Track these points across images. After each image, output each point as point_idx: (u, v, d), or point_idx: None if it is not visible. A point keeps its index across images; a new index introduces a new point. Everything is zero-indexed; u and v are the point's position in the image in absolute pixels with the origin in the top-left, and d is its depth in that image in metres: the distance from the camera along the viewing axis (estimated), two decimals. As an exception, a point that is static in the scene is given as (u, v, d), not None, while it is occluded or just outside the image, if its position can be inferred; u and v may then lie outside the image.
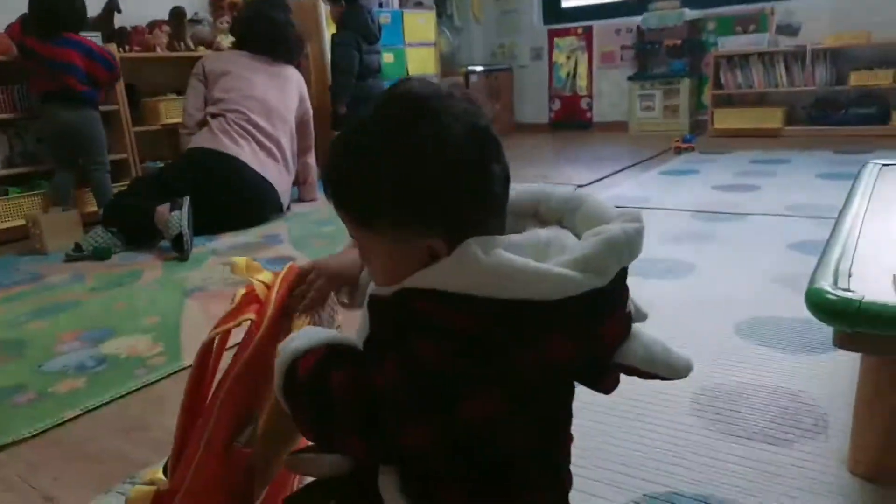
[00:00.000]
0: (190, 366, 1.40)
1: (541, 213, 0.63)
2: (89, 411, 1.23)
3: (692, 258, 1.87)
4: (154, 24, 3.47)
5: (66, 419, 1.20)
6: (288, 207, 3.05)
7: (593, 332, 0.54)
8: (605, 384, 0.58)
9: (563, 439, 0.64)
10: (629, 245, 0.54)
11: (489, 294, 0.51)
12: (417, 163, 0.53)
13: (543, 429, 0.60)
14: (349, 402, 0.54)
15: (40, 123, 2.88)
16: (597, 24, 5.45)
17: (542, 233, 0.58)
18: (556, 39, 5.70)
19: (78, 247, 2.44)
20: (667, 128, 4.88)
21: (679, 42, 4.91)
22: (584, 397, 0.62)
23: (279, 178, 2.90)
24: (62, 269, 2.33)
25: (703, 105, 4.97)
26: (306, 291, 0.74)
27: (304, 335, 0.61)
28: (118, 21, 3.27)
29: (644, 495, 0.86)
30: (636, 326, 0.58)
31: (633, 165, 3.62)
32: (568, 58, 5.66)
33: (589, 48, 5.54)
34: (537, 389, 0.55)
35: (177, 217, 2.35)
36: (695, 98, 5.00)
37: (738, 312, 1.44)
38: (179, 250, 2.32)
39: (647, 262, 1.81)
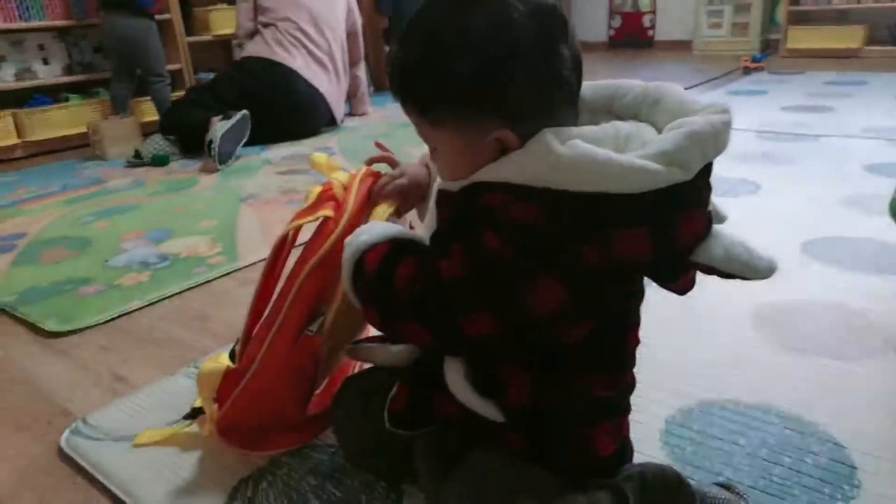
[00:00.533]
0: (247, 266, 1.44)
1: (616, 109, 0.60)
2: (153, 303, 1.28)
3: (757, 178, 1.79)
4: (205, -71, 3.39)
5: (132, 309, 1.25)
6: (342, 120, 3.02)
7: (671, 227, 0.51)
8: (680, 284, 0.56)
9: (630, 338, 0.63)
10: (715, 138, 0.51)
11: (564, 186, 0.49)
12: (479, 46, 0.51)
13: (609, 325, 0.59)
14: (414, 292, 0.55)
15: (100, 32, 2.89)
16: (665, -69, 5.09)
17: (622, 125, 0.55)
18: (620, -51, 5.35)
19: (138, 154, 2.50)
20: (735, 47, 4.60)
21: (754, -47, 4.55)
22: (645, 307, 0.61)
23: (331, 88, 2.87)
24: (123, 175, 2.40)
25: (776, 22, 4.65)
26: (388, 183, 0.74)
27: (370, 229, 0.61)
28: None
29: (699, 402, 0.85)
30: (717, 227, 0.55)
31: (697, 85, 3.45)
32: (632, -27, 5.33)
33: (655, -41, 5.19)
34: (606, 285, 0.54)
35: (218, 126, 2.36)
36: (767, 15, 4.68)
37: (805, 232, 1.38)
38: (211, 157, 2.34)
39: (709, 180, 1.74)
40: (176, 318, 1.22)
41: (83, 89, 3.07)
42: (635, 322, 0.62)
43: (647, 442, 0.77)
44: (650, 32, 5.35)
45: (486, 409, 0.58)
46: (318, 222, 0.72)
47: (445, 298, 0.54)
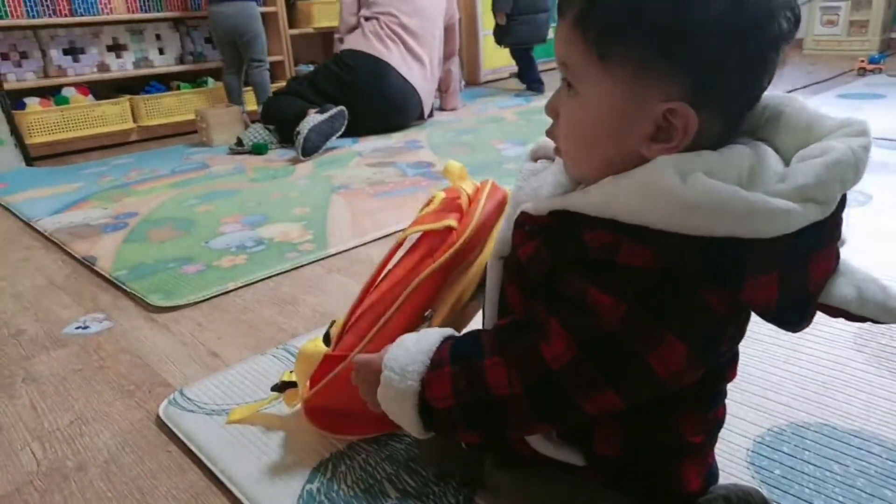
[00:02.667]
0: (336, 253, 1.49)
1: None
2: (248, 285, 1.34)
3: (870, 188, 1.66)
4: (311, -75, 3.51)
5: (228, 290, 1.32)
6: (430, 114, 3.06)
7: (804, 270, 0.45)
8: (800, 325, 0.49)
9: (730, 375, 0.59)
10: (856, 167, 0.45)
11: (686, 230, 0.43)
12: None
13: (718, 366, 0.55)
14: (527, 394, 0.49)
15: (209, 23, 3.06)
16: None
17: (743, 152, 0.47)
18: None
19: (239, 141, 2.63)
20: (850, 46, 4.28)
21: (881, -56, 4.21)
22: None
23: (424, 83, 2.91)
24: (226, 161, 2.53)
25: (900, 20, 4.30)
26: None
27: (397, 365, 0.55)
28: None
29: (792, 423, 0.81)
30: (844, 259, 0.49)
31: (806, 87, 3.24)
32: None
33: (767, -48, 4.91)
34: (724, 334, 0.49)
35: (309, 119, 2.43)
36: (890, 12, 4.32)
37: (921, 249, 1.28)
38: (298, 147, 2.40)
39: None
40: (268, 300, 1.28)
41: (193, 78, 3.26)
42: (736, 356, 0.59)
43: (734, 462, 0.73)
44: (757, 29, 5.07)
45: (569, 455, 0.56)
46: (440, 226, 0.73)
47: (562, 390, 0.48)
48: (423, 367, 0.54)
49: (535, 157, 0.66)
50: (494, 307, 0.62)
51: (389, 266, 0.79)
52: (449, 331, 0.58)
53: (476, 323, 0.94)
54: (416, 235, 0.76)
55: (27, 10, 2.69)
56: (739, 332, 0.52)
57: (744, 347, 0.57)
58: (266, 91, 3.00)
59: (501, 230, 0.61)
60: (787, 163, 0.48)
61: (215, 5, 2.90)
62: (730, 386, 0.61)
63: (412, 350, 0.55)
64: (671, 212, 0.44)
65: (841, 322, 1.01)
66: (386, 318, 0.71)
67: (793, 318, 0.48)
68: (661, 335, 0.46)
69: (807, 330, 0.86)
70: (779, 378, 0.89)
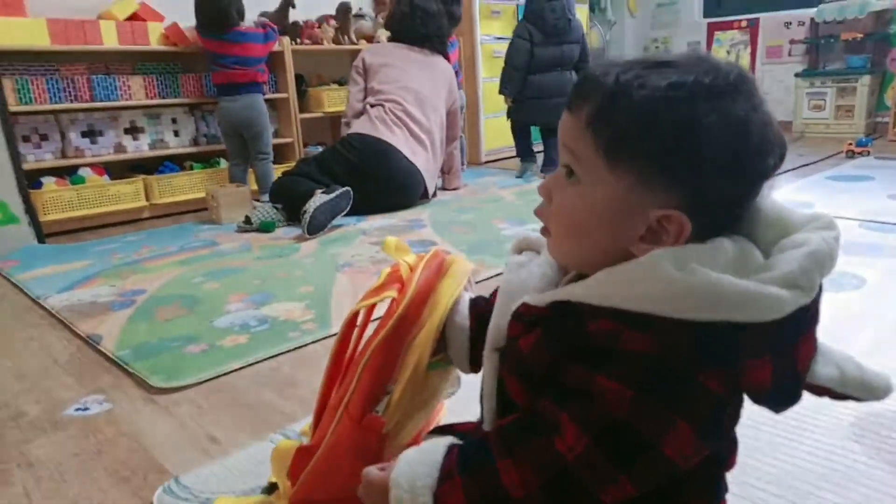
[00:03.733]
0: (335, 334, 1.50)
1: None
2: (250, 365, 1.36)
3: (861, 271, 1.69)
4: (323, 19, 3.71)
5: (230, 370, 1.33)
6: (434, 194, 3.15)
7: (791, 353, 0.49)
8: (789, 406, 0.52)
9: (731, 462, 0.60)
10: (831, 256, 0.49)
11: (685, 316, 0.46)
12: (711, 129, 0.48)
13: (719, 451, 0.56)
14: (543, 492, 0.50)
15: (216, 115, 3.20)
16: (764, 17, 5.06)
17: (727, 244, 0.51)
18: (716, 33, 5.37)
19: (247, 219, 2.70)
20: (838, 130, 4.43)
21: (860, 36, 4.41)
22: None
23: (427, 165, 3.01)
24: (233, 238, 2.59)
25: (884, 106, 4.47)
26: None
27: (406, 475, 0.54)
28: (292, 16, 3.53)
29: (789, 516, 0.80)
30: (822, 342, 0.52)
31: (796, 168, 3.33)
32: (728, 52, 5.30)
33: (753, 42, 5.16)
34: (725, 414, 0.51)
35: (316, 199, 2.51)
36: (875, 98, 4.49)
37: (916, 335, 1.29)
38: (304, 225, 2.46)
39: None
40: (268, 381, 1.29)
41: (206, 158, 3.38)
42: (736, 443, 0.60)
43: (729, 557, 0.73)
44: (751, 113, 5.24)
45: None
46: (386, 302, 0.75)
47: (578, 482, 0.49)
48: (432, 482, 0.54)
49: (518, 250, 0.68)
50: (492, 400, 0.63)
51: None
52: (450, 439, 0.58)
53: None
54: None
55: (50, 96, 2.82)
56: (736, 414, 0.54)
57: (743, 438, 0.59)
58: (268, 182, 3.07)
59: (494, 321, 0.63)
60: (764, 254, 0.52)
61: (224, 99, 3.04)
62: (729, 478, 0.61)
63: (418, 465, 0.55)
64: (671, 299, 0.46)
65: (839, 411, 1.02)
66: (346, 401, 0.71)
67: (783, 399, 0.51)
68: (669, 419, 0.47)
69: (802, 420, 0.87)
70: (779, 471, 0.89)
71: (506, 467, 0.51)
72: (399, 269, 0.77)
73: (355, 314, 0.78)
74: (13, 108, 2.67)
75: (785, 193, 2.76)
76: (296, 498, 0.78)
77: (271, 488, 0.85)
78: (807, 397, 0.52)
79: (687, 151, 0.48)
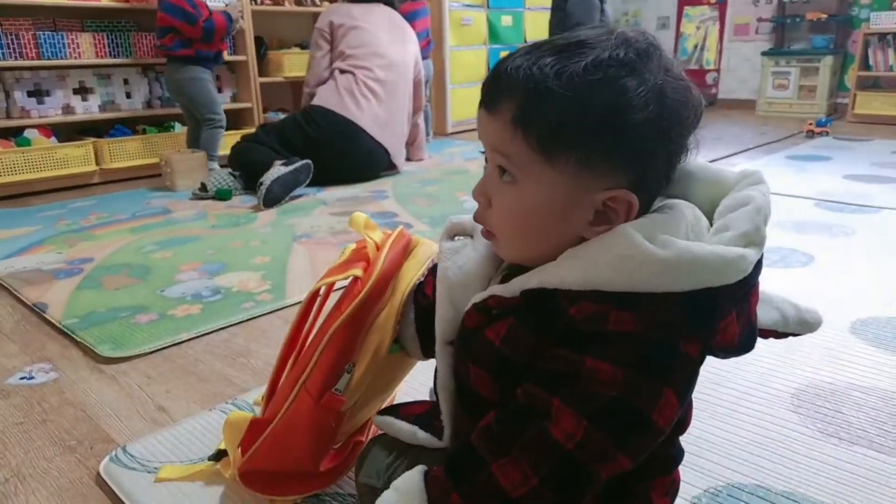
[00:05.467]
0: (293, 304, 1.48)
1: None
2: (201, 336, 1.33)
3: (812, 249, 1.74)
4: (284, -21, 3.60)
5: (180, 340, 1.31)
6: (402, 165, 3.09)
7: (746, 304, 0.51)
8: (749, 351, 0.53)
9: (686, 423, 0.62)
10: (769, 209, 0.53)
11: (668, 289, 0.47)
12: (636, 102, 0.48)
13: (681, 417, 0.58)
14: (547, 485, 0.49)
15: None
16: (732, -7, 5.10)
17: (685, 209, 0.53)
18: (686, 8, 5.39)
19: (203, 187, 2.63)
20: (800, 109, 4.52)
21: (825, 16, 4.49)
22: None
23: (393, 140, 2.95)
24: (188, 206, 2.52)
25: (844, 87, 4.57)
26: None
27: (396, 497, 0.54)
28: (252, -25, 3.41)
29: (728, 484, 0.83)
30: (761, 288, 0.55)
31: (757, 147, 3.39)
32: (697, 28, 5.34)
33: (721, 19, 5.20)
34: (696, 377, 0.52)
35: (273, 171, 2.46)
36: (836, 78, 4.59)
37: (856, 310, 1.34)
38: (259, 198, 2.41)
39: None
40: (220, 352, 1.27)
41: (160, 122, 3.27)
42: (691, 404, 0.61)
43: (668, 523, 0.75)
44: (713, 90, 5.31)
45: None
46: (348, 281, 0.74)
47: (580, 467, 0.48)
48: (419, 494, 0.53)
49: (451, 235, 0.67)
50: (450, 393, 0.62)
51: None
52: (421, 467, 0.57)
53: (413, 376, 0.94)
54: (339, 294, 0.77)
55: (-7, 52, 2.68)
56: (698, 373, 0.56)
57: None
58: (212, 147, 2.95)
59: (440, 314, 0.61)
60: (705, 213, 0.55)
61: (167, 65, 2.89)
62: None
63: (403, 500, 0.54)
64: (654, 274, 0.47)
65: (779, 383, 1.05)
66: (304, 378, 0.71)
67: (742, 349, 0.53)
68: (658, 390, 0.48)
69: (746, 390, 0.89)
70: (717, 438, 0.92)
71: (502, 468, 0.50)
72: (365, 247, 0.76)
73: (317, 290, 0.77)
74: (-48, 63, 2.53)
75: (742, 170, 2.81)
76: (245, 468, 0.77)
77: (218, 455, 0.84)
78: (752, 370, 0.54)
79: (620, 127, 0.49)
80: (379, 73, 2.89)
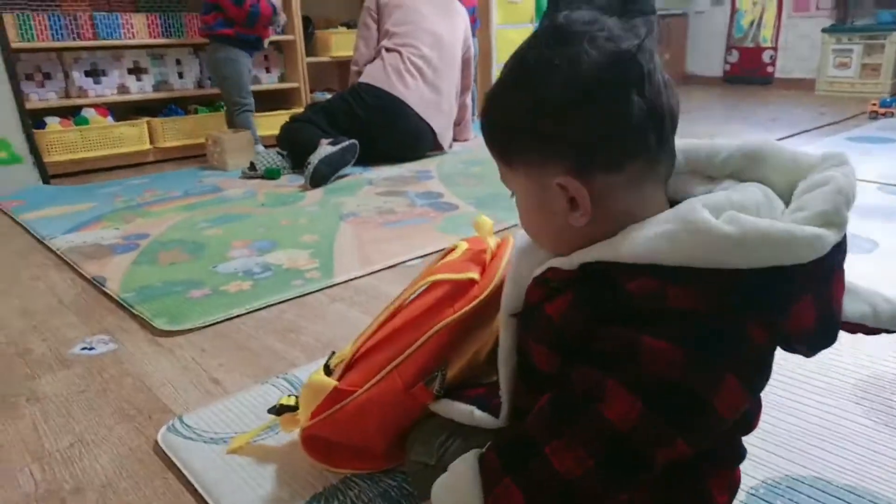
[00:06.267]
0: (341, 282, 1.49)
1: (709, 170, 0.57)
2: (253, 311, 1.36)
3: (875, 234, 1.66)
4: (332, -42, 3.59)
5: (233, 315, 1.34)
6: (450, 146, 3.08)
7: (828, 290, 0.49)
8: (828, 345, 0.51)
9: (753, 423, 0.60)
10: (853, 191, 0.50)
11: (732, 265, 0.45)
12: (548, 87, 0.51)
13: (746, 414, 0.57)
14: (600, 469, 0.48)
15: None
16: (793, -34, 4.88)
17: (754, 189, 0.52)
18: (742, -17, 5.18)
19: (252, 166, 2.67)
20: (863, 89, 4.32)
21: (893, -10, 4.26)
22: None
23: (441, 120, 2.93)
24: (238, 185, 2.57)
25: (913, 65, 4.32)
26: None
27: (448, 490, 0.56)
28: (300, -46, 3.41)
29: (787, 476, 0.80)
30: (850, 279, 0.52)
31: (816, 129, 3.26)
32: (754, 4, 5.13)
33: (780, -7, 4.98)
34: (766, 364, 0.49)
35: (320, 150, 2.47)
36: (904, 56, 4.36)
37: (925, 300, 1.27)
38: (306, 177, 2.44)
39: (821, 233, 1.64)
40: (271, 327, 1.29)
41: (210, 102, 3.32)
42: (760, 404, 0.60)
43: (724, 513, 0.73)
44: (770, 69, 5.11)
45: None
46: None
47: (634, 451, 0.47)
48: (478, 500, 0.53)
49: None
50: (509, 365, 0.62)
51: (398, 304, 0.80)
52: (476, 451, 0.57)
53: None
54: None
55: (52, 34, 2.76)
56: (770, 368, 0.53)
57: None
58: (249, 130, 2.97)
59: (509, 284, 0.61)
60: (781, 196, 0.53)
61: (208, 47, 2.95)
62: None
63: (456, 487, 0.55)
64: (717, 249, 0.45)
65: (841, 374, 1.02)
66: (399, 361, 0.71)
67: (821, 340, 0.50)
68: (720, 374, 0.46)
69: (807, 379, 0.87)
70: (778, 429, 0.89)
71: (555, 450, 0.49)
72: (484, 251, 0.78)
73: (422, 279, 0.77)
74: (15, 44, 2.61)
75: (800, 153, 2.71)
76: (310, 432, 0.77)
77: (280, 410, 0.84)
78: (814, 358, 0.52)
79: (533, 124, 0.52)
80: (426, 51, 2.86)
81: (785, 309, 0.47)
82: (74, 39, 2.82)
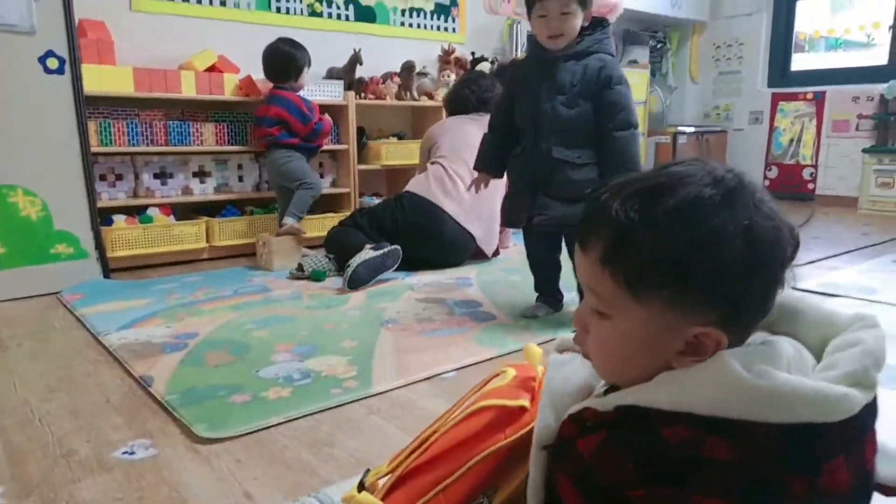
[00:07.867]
0: (377, 393, 1.50)
1: None
2: (290, 421, 1.39)
3: (924, 370, 1.61)
4: (387, 76, 3.87)
5: (270, 424, 1.37)
6: (496, 253, 3.16)
7: (860, 451, 0.49)
8: None
9: None
10: (884, 355, 0.51)
11: (765, 418, 0.46)
12: (722, 242, 0.50)
13: None
14: None
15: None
16: (830, 90, 4.99)
17: (785, 344, 0.54)
18: (780, 103, 5.31)
19: (300, 267, 2.78)
20: (908, 209, 4.28)
21: (934, 114, 4.31)
22: None
23: (480, 226, 3.01)
24: (285, 286, 2.66)
25: (959, 187, 4.29)
26: None
27: None
28: (358, 72, 3.69)
29: None
30: (881, 440, 0.53)
31: (860, 249, 3.22)
32: (792, 123, 5.24)
33: (819, 115, 5.08)
34: None
35: (362, 254, 2.57)
36: (950, 178, 4.34)
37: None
38: (345, 279, 2.52)
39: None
40: (306, 439, 1.31)
41: (266, 205, 3.51)
42: None
43: None
44: (811, 185, 5.14)
45: None
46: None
47: None
48: None
49: (561, 350, 0.71)
50: (538, 497, 0.63)
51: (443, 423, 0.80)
52: None
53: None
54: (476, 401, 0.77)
55: (129, 139, 3.01)
56: None
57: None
58: (298, 206, 3.12)
59: (541, 418, 0.63)
60: (811, 351, 0.54)
61: (267, 155, 3.19)
62: None
63: None
64: (749, 402, 0.47)
65: None
66: (447, 483, 0.71)
67: (858, 501, 0.50)
68: None
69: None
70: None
71: None
72: (533, 379, 0.79)
73: (472, 403, 0.77)
74: (95, 148, 2.85)
75: (847, 275, 2.68)
76: None
77: None
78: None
79: (706, 267, 0.50)
80: (469, 160, 2.99)
81: (818, 467, 0.47)
82: (148, 145, 3.06)
